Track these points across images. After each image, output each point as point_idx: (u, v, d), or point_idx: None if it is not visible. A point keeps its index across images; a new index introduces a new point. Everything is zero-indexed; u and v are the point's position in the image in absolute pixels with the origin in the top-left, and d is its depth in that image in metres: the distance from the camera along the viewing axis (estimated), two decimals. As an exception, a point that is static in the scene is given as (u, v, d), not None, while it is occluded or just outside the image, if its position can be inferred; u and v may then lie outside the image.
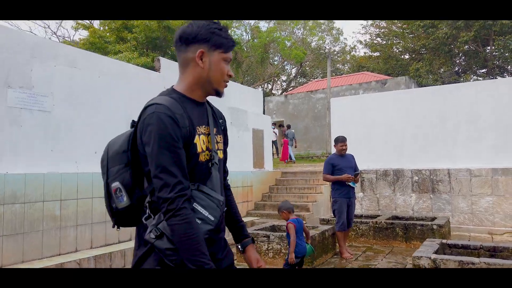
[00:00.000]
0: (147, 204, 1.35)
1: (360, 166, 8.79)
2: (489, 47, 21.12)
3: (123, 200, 1.35)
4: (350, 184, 5.61)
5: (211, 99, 1.58)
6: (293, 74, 42.16)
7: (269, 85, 40.24)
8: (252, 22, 35.26)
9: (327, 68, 18.99)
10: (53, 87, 4.92)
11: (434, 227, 5.94)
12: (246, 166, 8.69)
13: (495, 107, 7.54)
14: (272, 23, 35.16)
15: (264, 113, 33.42)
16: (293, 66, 40.17)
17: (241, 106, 8.84)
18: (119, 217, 1.40)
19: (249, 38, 34.29)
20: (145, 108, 1.35)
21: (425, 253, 3.97)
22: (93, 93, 5.40)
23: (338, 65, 39.65)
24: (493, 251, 4.09)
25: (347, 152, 5.92)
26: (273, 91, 39.30)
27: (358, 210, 8.61)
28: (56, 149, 4.88)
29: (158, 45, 14.98)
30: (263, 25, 35.45)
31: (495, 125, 7.53)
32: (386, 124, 8.58)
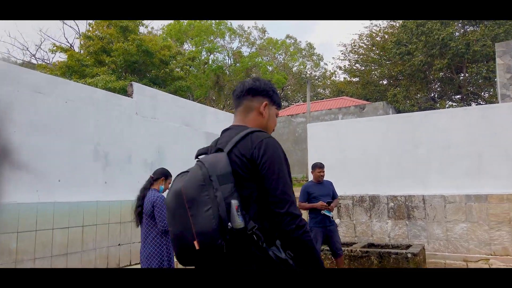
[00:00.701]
0: (257, 228, 1.34)
1: (337, 192, 8.82)
2: (462, 74, 21.83)
3: (242, 220, 1.31)
4: (325, 212, 5.53)
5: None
6: (275, 98, 42.50)
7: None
8: (234, 47, 35.77)
9: (307, 93, 19.23)
10: (14, 113, 4.74)
11: (409, 255, 5.87)
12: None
13: (467, 134, 7.67)
14: (254, 48, 35.74)
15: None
16: (275, 90, 40.55)
17: (217, 131, 8.76)
18: (230, 241, 1.31)
19: (232, 62, 34.67)
20: (251, 134, 1.47)
21: None
22: (59, 119, 5.23)
23: (319, 90, 40.32)
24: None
25: (325, 178, 5.87)
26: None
27: (335, 237, 8.51)
28: (14, 177, 4.66)
29: (137, 68, 14.91)
30: (245, 50, 35.95)
31: (467, 152, 7.63)
32: (362, 150, 8.61)
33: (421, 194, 7.83)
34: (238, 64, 33.28)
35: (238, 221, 1.29)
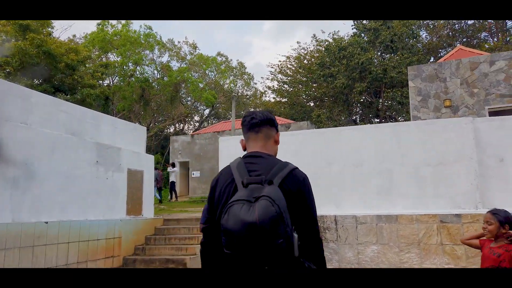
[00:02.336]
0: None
1: (249, 213, 8.11)
2: (381, 99, 22.90)
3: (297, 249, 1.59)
4: None
5: None
6: (206, 115, 41.78)
7: (181, 125, 39.15)
8: (164, 60, 34.52)
9: (232, 109, 18.71)
10: None
11: (314, 284, 5.25)
12: (116, 213, 7.37)
13: (378, 152, 7.46)
14: (184, 63, 34.80)
15: (168, 153, 31.72)
16: (206, 107, 39.89)
17: (114, 142, 7.64)
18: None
19: (159, 76, 33.32)
20: (294, 171, 1.82)
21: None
22: None
23: (250, 109, 40.36)
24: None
25: None
26: (184, 131, 38.24)
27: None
28: None
29: (38, 72, 13.19)
30: (175, 64, 34.89)
31: (378, 170, 7.40)
32: (275, 167, 8.03)
33: (333, 214, 7.40)
34: (166, 78, 31.98)
35: (297, 251, 1.56)
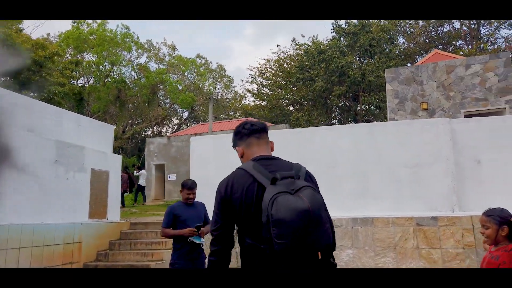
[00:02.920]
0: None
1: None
2: (359, 103, 22.95)
3: None
4: (194, 239, 4.34)
5: None
6: (185, 117, 41.16)
7: (159, 127, 38.43)
8: (142, 61, 33.79)
9: (209, 110, 18.32)
10: None
11: (285, 291, 4.92)
12: (77, 216, 6.88)
13: (354, 153, 7.23)
14: (162, 65, 34.19)
15: (141, 156, 30.86)
16: (185, 110, 39.30)
17: (76, 140, 7.15)
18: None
19: (136, 77, 32.60)
20: (306, 169, 1.99)
21: None
22: None
23: (230, 112, 39.96)
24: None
25: (206, 200, 4.71)
26: (162, 134, 37.50)
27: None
28: None
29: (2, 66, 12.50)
30: (153, 65, 34.22)
31: (354, 172, 7.17)
32: (248, 168, 7.71)
33: (308, 218, 7.11)
34: (143, 79, 31.28)
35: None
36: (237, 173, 1.85)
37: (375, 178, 7.05)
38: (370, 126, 7.51)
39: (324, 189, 6.78)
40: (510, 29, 25.36)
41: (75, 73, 19.61)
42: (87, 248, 6.96)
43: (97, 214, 7.48)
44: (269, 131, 8.15)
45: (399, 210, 6.87)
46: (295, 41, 27.74)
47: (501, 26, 24.92)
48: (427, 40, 27.65)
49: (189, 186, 4.51)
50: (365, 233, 6.77)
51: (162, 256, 6.94)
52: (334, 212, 6.92)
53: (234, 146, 2.05)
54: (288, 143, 7.61)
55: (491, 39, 25.63)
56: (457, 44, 27.15)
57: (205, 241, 4.97)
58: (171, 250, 7.08)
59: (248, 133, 1.97)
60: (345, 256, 6.78)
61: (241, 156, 1.99)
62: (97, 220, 7.44)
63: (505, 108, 10.76)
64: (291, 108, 29.54)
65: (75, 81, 29.74)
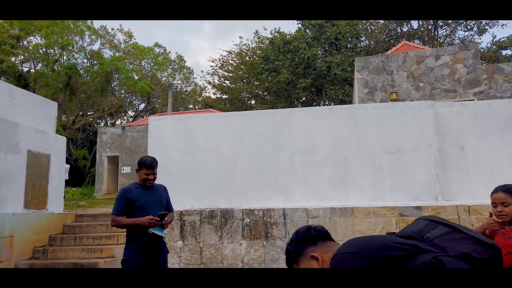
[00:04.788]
0: None
1: (183, 205, 6.84)
2: (323, 97, 22.71)
3: None
4: (155, 231, 3.44)
5: None
6: (141, 109, 39.25)
7: (113, 119, 36.34)
8: (95, 48, 31.64)
9: (169, 98, 17.19)
10: None
11: (262, 291, 4.17)
12: (8, 206, 5.70)
13: (332, 138, 6.63)
14: (117, 52, 32.22)
15: (92, 149, 29.01)
16: (141, 101, 37.47)
17: (8, 115, 5.95)
18: None
19: (89, 64, 30.49)
20: None
21: None
22: None
23: (189, 106, 38.62)
24: None
25: (157, 182, 3.81)
26: (117, 126, 35.47)
27: (175, 266, 6.48)
28: None
29: None
30: (107, 52, 32.18)
31: (332, 158, 6.57)
32: (215, 152, 6.88)
33: (282, 208, 6.42)
34: (96, 67, 29.25)
35: None
36: None
37: (354, 165, 6.49)
38: (350, 109, 6.94)
39: (300, 177, 6.05)
40: (466, 31, 26.24)
41: (17, 50, 17.62)
42: (21, 244, 5.80)
43: (34, 204, 6.31)
44: (239, 114, 7.27)
45: (380, 199, 6.36)
46: (258, 34, 27.09)
47: (458, 27, 25.73)
48: (386, 39, 28.06)
49: (148, 165, 3.62)
50: (344, 225, 6.19)
51: (113, 252, 5.95)
52: (311, 202, 6.29)
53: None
54: (260, 126, 6.87)
55: (448, 39, 26.41)
56: (415, 43, 27.80)
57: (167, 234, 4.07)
58: (124, 244, 6.15)
59: (315, 237, 1.61)
60: (322, 250, 6.16)
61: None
62: (34, 211, 6.27)
63: (474, 100, 10.69)
64: (253, 102, 28.88)
65: (20, 64, 27.31)
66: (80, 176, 26.26)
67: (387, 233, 1.61)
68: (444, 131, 6.49)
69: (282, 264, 6.20)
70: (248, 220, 6.47)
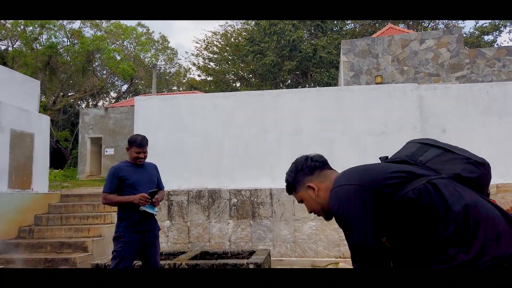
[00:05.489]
0: None
1: (170, 185, 6.84)
2: (307, 80, 22.74)
3: None
4: (146, 209, 3.47)
5: None
6: (123, 91, 38.51)
7: (94, 100, 35.59)
8: (75, 26, 30.68)
9: (153, 79, 16.93)
10: None
11: (251, 267, 4.29)
12: (-8, 185, 5.62)
13: (319, 119, 6.71)
14: (99, 31, 31.33)
15: (74, 130, 28.49)
16: (124, 82, 36.75)
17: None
18: None
19: (69, 43, 29.61)
20: None
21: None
22: None
23: (173, 88, 38.09)
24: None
25: (148, 161, 3.81)
26: (99, 107, 34.78)
27: (163, 245, 6.53)
28: None
29: None
30: (88, 31, 31.27)
31: (318, 139, 6.66)
32: (202, 133, 6.89)
33: (269, 188, 6.52)
34: (77, 46, 28.44)
35: None
36: None
37: (340, 146, 6.60)
38: (336, 91, 7.01)
39: (287, 158, 6.15)
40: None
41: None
42: (6, 223, 5.75)
43: (19, 184, 6.23)
44: (226, 94, 7.32)
45: (364, 179, 6.52)
46: (244, 14, 26.65)
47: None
48: (372, 22, 28.09)
49: (138, 143, 3.62)
50: (329, 204, 6.33)
51: (101, 231, 5.96)
52: (298, 182, 6.41)
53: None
54: (248, 107, 6.89)
55: (432, 23, 26.62)
56: (400, 27, 27.92)
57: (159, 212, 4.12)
58: (112, 224, 6.15)
59: (313, 167, 1.62)
60: (308, 229, 6.32)
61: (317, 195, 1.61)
62: (19, 191, 6.20)
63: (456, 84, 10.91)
64: (238, 85, 28.70)
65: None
66: (61, 158, 25.84)
67: (380, 158, 1.64)
68: (427, 113, 6.64)
69: (269, 243, 6.34)
70: (236, 200, 6.55)
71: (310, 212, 1.67)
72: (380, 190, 1.38)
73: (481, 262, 1.25)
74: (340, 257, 6.07)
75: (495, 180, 5.65)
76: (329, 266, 5.97)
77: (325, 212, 1.61)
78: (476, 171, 1.44)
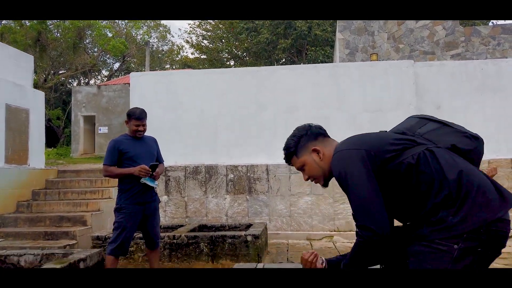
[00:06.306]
0: None
1: (167, 161, 6.86)
2: (302, 58, 22.59)
3: None
4: (146, 181, 3.52)
5: None
6: (115, 69, 37.94)
7: (86, 78, 35.07)
8: (64, 1, 29.90)
9: (146, 56, 16.72)
10: None
11: (249, 238, 4.40)
12: (-12, 160, 5.62)
13: (315, 96, 6.74)
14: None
15: (66, 109, 28.24)
16: (115, 60, 36.17)
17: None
18: None
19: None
20: None
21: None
22: None
23: (166, 66, 37.61)
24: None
25: (147, 134, 3.83)
26: (91, 85, 34.29)
27: (160, 219, 6.63)
28: None
29: None
30: (78, 7, 30.48)
31: (314, 116, 6.69)
32: (198, 109, 6.90)
33: (265, 164, 6.60)
34: (67, 22, 27.82)
35: None
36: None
37: (336, 123, 6.66)
38: (332, 67, 7.02)
39: (283, 134, 6.25)
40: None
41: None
42: (4, 198, 5.78)
43: (15, 159, 6.22)
44: (222, 71, 7.35)
45: (359, 155, 6.61)
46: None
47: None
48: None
49: (137, 116, 3.63)
50: (324, 180, 6.43)
51: (99, 206, 6.02)
52: (294, 158, 6.48)
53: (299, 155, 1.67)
54: (244, 83, 6.89)
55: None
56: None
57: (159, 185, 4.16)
58: (110, 199, 6.21)
59: (316, 133, 1.68)
60: (303, 203, 6.44)
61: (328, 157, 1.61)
62: (16, 166, 6.21)
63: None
64: (232, 63, 28.41)
65: (-17, 19, 25.68)
66: (54, 136, 25.63)
67: (380, 131, 1.70)
68: (422, 90, 6.70)
69: (265, 217, 6.46)
70: (232, 176, 6.63)
71: (307, 179, 1.69)
72: (381, 156, 1.43)
73: (468, 225, 1.31)
74: (334, 231, 6.22)
75: (487, 155, 5.75)
76: (324, 240, 6.12)
77: (325, 178, 1.65)
78: (471, 144, 1.51)
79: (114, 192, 6.39)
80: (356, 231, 1.44)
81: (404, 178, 1.42)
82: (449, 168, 1.38)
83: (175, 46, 37.17)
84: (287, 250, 5.37)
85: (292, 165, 1.72)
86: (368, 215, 1.39)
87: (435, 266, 1.32)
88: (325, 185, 1.69)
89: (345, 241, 5.97)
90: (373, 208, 1.39)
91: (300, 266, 2.88)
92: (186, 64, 30.20)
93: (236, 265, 2.85)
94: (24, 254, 3.34)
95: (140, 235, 4.00)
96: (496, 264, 4.47)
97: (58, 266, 2.91)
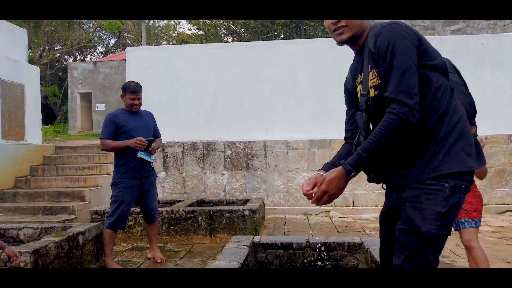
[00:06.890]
0: None
1: (164, 138, 6.86)
2: (301, 34, 22.25)
3: None
4: (143, 156, 3.51)
5: None
6: (111, 45, 37.34)
7: (82, 54, 34.56)
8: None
9: (142, 31, 16.43)
10: None
11: (246, 213, 4.44)
12: (-15, 136, 5.59)
13: (314, 71, 6.67)
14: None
15: (62, 86, 28.02)
16: (111, 36, 35.55)
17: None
18: None
19: (53, -7, 28.23)
20: None
21: (226, 266, 2.25)
22: None
23: (163, 42, 37.06)
24: (324, 250, 2.67)
25: (143, 108, 3.81)
26: (87, 62, 33.83)
27: (159, 195, 6.67)
28: None
29: None
30: (72, -20, 29.71)
31: (312, 92, 6.66)
32: (196, 85, 6.83)
33: (263, 140, 6.60)
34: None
35: None
36: None
37: (334, 99, 6.60)
38: (332, 42, 6.89)
39: (281, 110, 6.20)
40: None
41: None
42: (2, 174, 5.79)
43: (12, 135, 6.19)
44: (220, 45, 7.33)
45: (357, 131, 6.61)
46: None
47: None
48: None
49: (132, 89, 3.60)
50: (322, 156, 6.46)
51: (97, 181, 6.04)
52: (291, 134, 6.46)
53: None
54: (241, 58, 6.80)
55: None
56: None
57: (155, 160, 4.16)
58: (108, 175, 6.23)
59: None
60: (301, 179, 6.48)
61: None
62: (12, 142, 6.18)
63: (451, 38, 10.79)
64: (230, 39, 27.99)
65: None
66: (51, 113, 25.48)
67: None
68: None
69: (263, 193, 6.51)
70: (230, 152, 6.64)
71: (336, 29, 1.58)
72: (426, 57, 1.45)
73: (457, 167, 1.36)
74: (331, 206, 6.28)
75: (484, 131, 5.77)
76: (321, 214, 6.19)
77: (353, 35, 1.55)
78: (470, 116, 1.66)
79: (112, 168, 6.39)
80: (387, 109, 1.37)
81: (424, 90, 1.41)
82: (454, 113, 1.43)
83: (172, 22, 36.51)
84: (284, 225, 5.44)
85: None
86: (408, 91, 1.33)
87: (431, 207, 1.34)
88: (344, 40, 1.63)
89: (342, 216, 6.04)
90: (413, 86, 1.34)
91: (299, 239, 2.92)
92: (183, 40, 29.76)
93: (233, 238, 2.89)
94: (24, 228, 3.36)
95: (138, 209, 4.03)
96: (490, 237, 4.53)
97: (57, 239, 2.94)
